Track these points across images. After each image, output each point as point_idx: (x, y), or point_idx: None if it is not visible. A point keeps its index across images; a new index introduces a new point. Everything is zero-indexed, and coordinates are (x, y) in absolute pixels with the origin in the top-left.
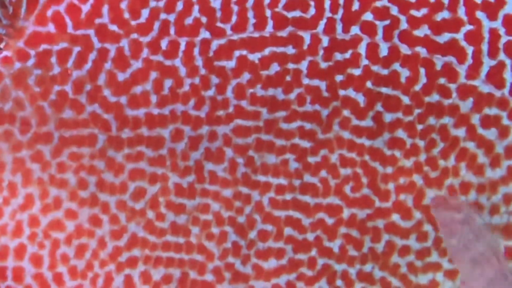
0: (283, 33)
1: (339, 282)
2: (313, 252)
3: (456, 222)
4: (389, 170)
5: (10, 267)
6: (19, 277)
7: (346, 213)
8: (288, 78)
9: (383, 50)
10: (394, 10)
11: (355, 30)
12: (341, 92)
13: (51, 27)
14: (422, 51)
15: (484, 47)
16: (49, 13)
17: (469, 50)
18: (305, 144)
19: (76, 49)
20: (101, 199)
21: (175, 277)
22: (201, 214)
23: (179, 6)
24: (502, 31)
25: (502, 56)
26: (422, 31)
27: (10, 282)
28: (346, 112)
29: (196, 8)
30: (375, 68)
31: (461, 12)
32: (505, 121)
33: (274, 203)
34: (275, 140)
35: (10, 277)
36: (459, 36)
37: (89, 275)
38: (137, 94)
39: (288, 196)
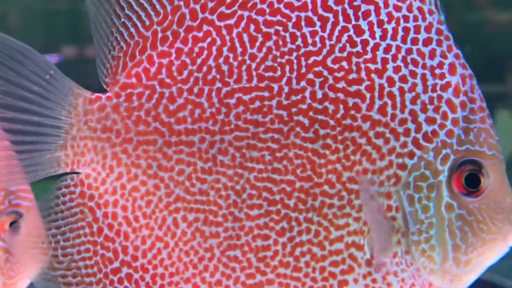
0: (262, 84)
1: (293, 223)
2: (279, 206)
3: (361, 190)
4: (322, 161)
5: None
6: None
7: (297, 185)
8: (264, 109)
9: (319, 94)
10: (325, 72)
11: (303, 83)
12: (295, 117)
13: (133, 79)
14: (341, 95)
15: (376, 93)
16: (133, 72)
17: (367, 95)
18: (274, 146)
19: (147, 92)
20: (159, 174)
21: (201, 219)
22: (215, 184)
23: (204, 69)
24: (386, 85)
25: (386, 98)
26: (341, 84)
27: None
28: (297, 129)
29: (213, 70)
30: (314, 104)
31: (363, 74)
32: (388, 135)
33: (256, 178)
34: (257, 143)
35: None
36: (362, 87)
37: (153, 217)
38: (180, 116)
39: (264, 175)
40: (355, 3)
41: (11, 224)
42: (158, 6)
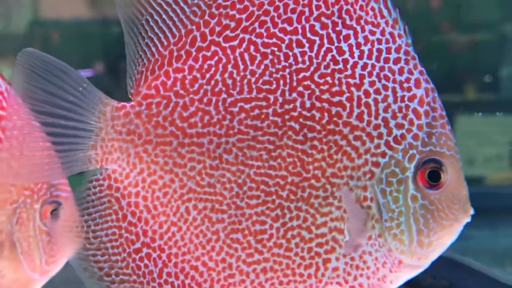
0: (260, 96)
1: (285, 211)
2: (274, 197)
3: (342, 184)
4: (310, 159)
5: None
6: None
7: (289, 179)
8: (262, 116)
9: (307, 104)
10: (312, 86)
11: (294, 95)
12: (288, 123)
13: (153, 91)
14: (325, 105)
15: (354, 103)
16: (153, 84)
17: (348, 104)
18: (270, 146)
19: (164, 101)
20: (174, 170)
21: (208, 207)
22: (221, 178)
23: (212, 82)
24: (362, 96)
25: (363, 108)
26: (326, 96)
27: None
28: (289, 132)
29: (220, 83)
30: (304, 112)
31: (344, 87)
32: (364, 138)
33: (255, 174)
34: (256, 145)
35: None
36: (343, 98)
37: (168, 205)
38: (191, 122)
39: (262, 170)
40: (337, 28)
41: (52, 212)
42: (174, 30)
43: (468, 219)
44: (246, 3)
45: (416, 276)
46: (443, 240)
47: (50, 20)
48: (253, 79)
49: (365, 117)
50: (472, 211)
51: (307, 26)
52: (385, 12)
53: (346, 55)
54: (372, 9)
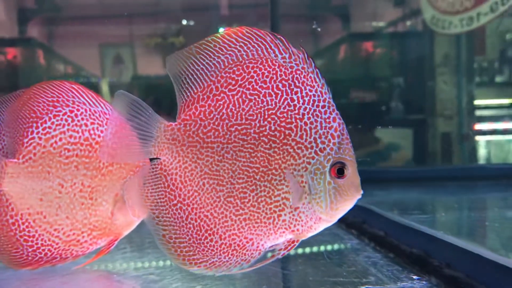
0: (247, 122)
1: (258, 187)
2: (252, 179)
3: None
4: (272, 159)
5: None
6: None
7: (261, 169)
8: (247, 133)
9: (272, 128)
10: (276, 118)
11: (265, 122)
12: (262, 138)
13: (187, 117)
14: (282, 129)
15: (298, 129)
16: (188, 113)
17: (295, 129)
18: (251, 151)
19: (193, 123)
20: (198, 162)
21: (215, 183)
22: (223, 167)
23: (220, 113)
24: (303, 125)
25: (303, 131)
26: (283, 124)
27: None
28: (262, 143)
29: (225, 114)
30: (270, 132)
31: (293, 119)
32: (303, 148)
33: (242, 165)
34: (243, 149)
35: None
36: (292, 126)
37: (194, 181)
38: (208, 134)
39: (246, 163)
40: (291, 87)
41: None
42: (200, 83)
43: (360, 196)
44: (241, 71)
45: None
46: (345, 207)
47: (143, 75)
48: (243, 113)
49: (304, 137)
50: (362, 192)
51: (275, 85)
52: (317, 79)
53: (295, 102)
54: (311, 77)
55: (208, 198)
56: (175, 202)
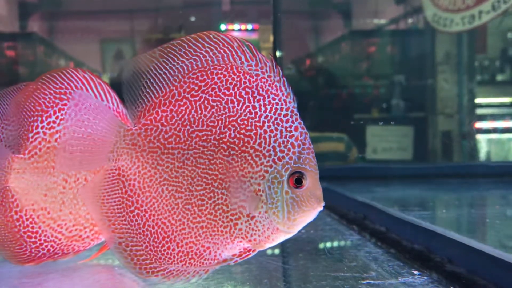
0: (208, 128)
1: (215, 194)
2: (210, 186)
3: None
4: (231, 166)
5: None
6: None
7: (219, 176)
8: (208, 140)
9: (232, 135)
10: (236, 125)
11: (226, 129)
12: (221, 145)
13: (148, 121)
14: (242, 136)
15: (258, 136)
16: (148, 118)
17: (254, 137)
18: (210, 157)
19: (154, 128)
20: (157, 167)
21: (174, 189)
22: (182, 173)
23: (182, 119)
24: (263, 133)
25: (261, 139)
26: (243, 131)
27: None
28: (221, 150)
29: (186, 120)
30: (230, 139)
31: (253, 127)
32: (261, 156)
33: (201, 172)
34: (203, 156)
35: None
36: (252, 133)
37: (152, 187)
38: (169, 140)
39: (205, 170)
40: (254, 95)
41: None
42: (162, 88)
43: (321, 208)
44: (204, 77)
45: None
46: (303, 219)
47: None
48: (205, 119)
49: (263, 144)
50: (323, 204)
51: (237, 92)
52: (283, 88)
53: (257, 109)
54: (276, 86)
55: (166, 205)
56: (132, 208)
